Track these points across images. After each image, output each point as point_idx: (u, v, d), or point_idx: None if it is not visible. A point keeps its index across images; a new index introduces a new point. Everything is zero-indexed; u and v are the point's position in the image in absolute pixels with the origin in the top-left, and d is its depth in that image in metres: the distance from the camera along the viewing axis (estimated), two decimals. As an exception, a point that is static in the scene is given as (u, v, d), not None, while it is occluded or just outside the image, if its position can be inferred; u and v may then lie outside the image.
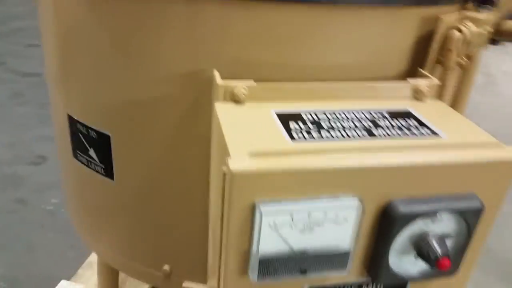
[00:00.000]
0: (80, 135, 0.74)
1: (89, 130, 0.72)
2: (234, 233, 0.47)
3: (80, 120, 0.72)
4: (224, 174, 0.45)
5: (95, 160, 0.74)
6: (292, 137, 0.51)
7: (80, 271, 1.37)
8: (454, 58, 0.63)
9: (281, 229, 0.47)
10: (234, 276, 0.51)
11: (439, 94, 0.65)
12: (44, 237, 1.62)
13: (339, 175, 0.47)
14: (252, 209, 0.46)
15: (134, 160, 0.70)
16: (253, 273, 0.49)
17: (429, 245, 0.51)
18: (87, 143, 0.73)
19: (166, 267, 0.76)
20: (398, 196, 0.50)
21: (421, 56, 0.65)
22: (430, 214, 0.50)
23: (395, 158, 0.49)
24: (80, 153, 0.76)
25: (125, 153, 0.70)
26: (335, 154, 0.48)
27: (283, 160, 0.46)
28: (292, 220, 0.47)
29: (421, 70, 0.64)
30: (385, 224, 0.50)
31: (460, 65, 0.65)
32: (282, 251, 0.48)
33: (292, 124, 0.54)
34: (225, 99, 0.57)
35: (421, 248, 0.52)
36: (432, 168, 0.49)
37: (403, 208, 0.49)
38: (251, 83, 0.57)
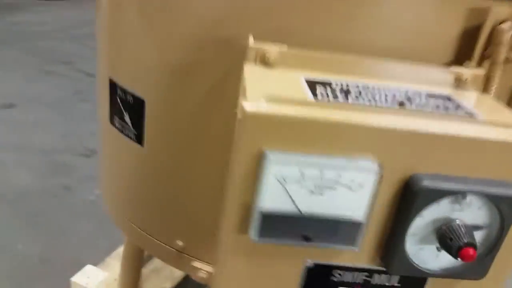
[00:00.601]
0: (118, 100, 0.76)
1: (127, 95, 0.73)
2: (239, 182, 0.45)
3: (120, 84, 0.74)
4: (237, 118, 0.44)
5: (129, 125, 0.75)
6: (315, 97, 0.49)
7: (108, 259, 1.39)
8: (503, 52, 0.60)
9: (289, 184, 0.44)
10: (234, 234, 0.48)
11: (485, 88, 0.60)
12: (80, 223, 1.66)
13: (358, 133, 0.44)
14: (261, 158, 0.44)
15: (164, 126, 0.71)
16: (253, 231, 0.46)
17: (453, 231, 0.46)
18: (123, 108, 0.75)
19: (180, 242, 0.75)
20: (424, 169, 0.46)
21: (469, 48, 0.62)
22: (458, 195, 0.46)
23: (424, 124, 0.45)
24: (116, 118, 0.78)
25: (156, 119, 0.71)
26: (356, 112, 0.45)
27: (299, 108, 0.44)
28: (302, 176, 0.44)
29: (467, 62, 0.61)
30: (405, 200, 0.46)
31: (510, 61, 0.61)
32: (287, 210, 0.45)
33: (319, 89, 0.51)
34: (255, 61, 0.56)
35: (443, 234, 0.47)
36: (463, 143, 0.45)
37: (427, 183, 0.45)
38: (283, 48, 0.56)
